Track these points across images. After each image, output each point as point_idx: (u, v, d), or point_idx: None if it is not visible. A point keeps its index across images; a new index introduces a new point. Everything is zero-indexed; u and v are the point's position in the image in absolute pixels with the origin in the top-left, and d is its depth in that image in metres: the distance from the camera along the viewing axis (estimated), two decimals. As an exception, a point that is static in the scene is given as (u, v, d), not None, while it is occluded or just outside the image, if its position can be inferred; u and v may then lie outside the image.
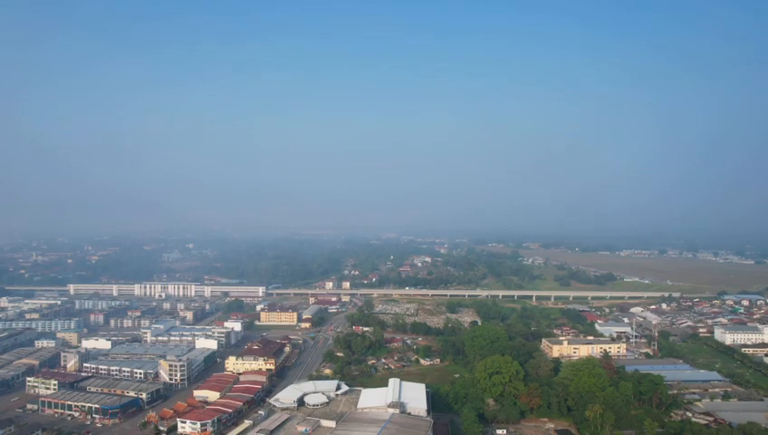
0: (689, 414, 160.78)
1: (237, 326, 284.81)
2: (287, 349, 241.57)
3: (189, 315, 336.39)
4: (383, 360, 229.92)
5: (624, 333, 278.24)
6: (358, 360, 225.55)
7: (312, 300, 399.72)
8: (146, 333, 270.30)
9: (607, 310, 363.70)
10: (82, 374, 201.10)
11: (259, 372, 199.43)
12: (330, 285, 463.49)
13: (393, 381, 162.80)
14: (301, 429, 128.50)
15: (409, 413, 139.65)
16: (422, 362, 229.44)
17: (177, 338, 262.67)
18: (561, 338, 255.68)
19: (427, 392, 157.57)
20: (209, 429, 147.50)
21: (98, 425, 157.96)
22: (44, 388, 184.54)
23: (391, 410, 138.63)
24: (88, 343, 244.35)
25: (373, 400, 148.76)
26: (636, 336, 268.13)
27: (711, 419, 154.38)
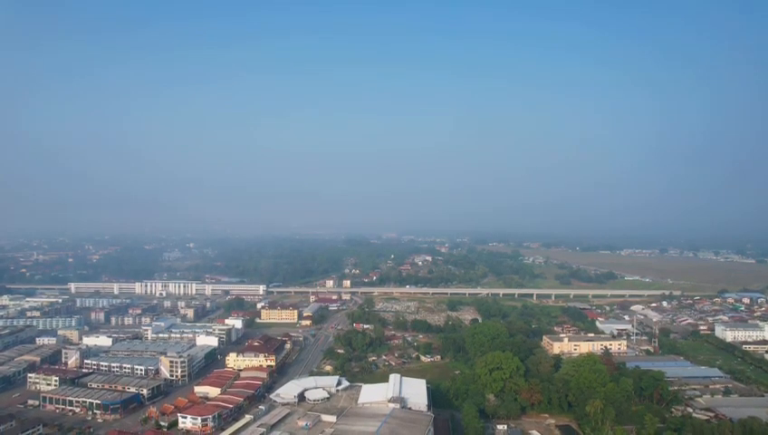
0: (690, 410, 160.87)
1: (238, 324, 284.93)
2: (288, 346, 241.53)
3: (190, 313, 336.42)
4: (384, 357, 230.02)
5: (625, 330, 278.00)
6: (358, 357, 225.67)
7: (312, 298, 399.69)
8: (147, 330, 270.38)
9: (608, 308, 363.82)
10: (83, 371, 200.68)
11: (260, 368, 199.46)
12: (330, 283, 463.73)
13: (394, 377, 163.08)
14: (301, 423, 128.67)
15: (410, 408, 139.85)
16: (423, 358, 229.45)
17: (178, 335, 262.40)
18: (561, 335, 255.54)
19: (428, 388, 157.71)
20: (210, 424, 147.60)
21: (99, 420, 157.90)
22: (45, 384, 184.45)
23: (392, 405, 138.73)
24: (89, 340, 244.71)
25: (374, 395, 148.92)
26: (636, 334, 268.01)
27: (712, 414, 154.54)
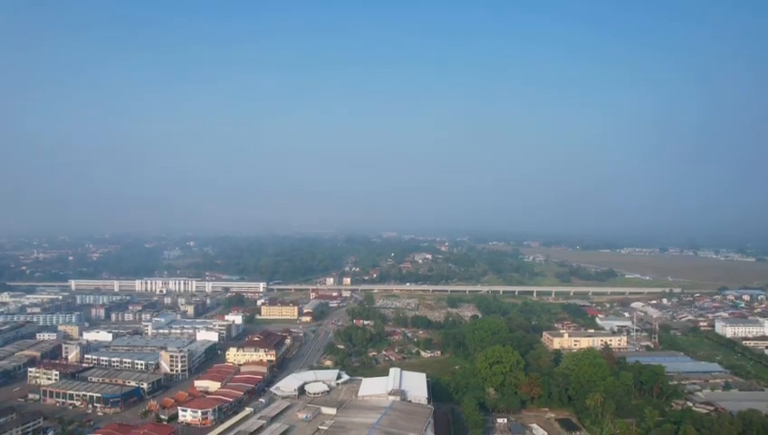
0: (690, 404, 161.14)
1: (238, 319, 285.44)
2: (288, 341, 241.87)
3: (190, 310, 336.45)
4: (384, 352, 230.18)
5: (625, 326, 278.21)
6: (359, 352, 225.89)
7: (312, 295, 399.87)
8: (147, 326, 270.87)
9: (608, 305, 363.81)
10: (84, 365, 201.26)
11: (260, 363, 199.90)
12: (331, 281, 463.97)
13: (394, 371, 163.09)
14: (301, 416, 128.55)
15: (410, 401, 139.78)
16: (423, 354, 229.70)
17: (178, 331, 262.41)
18: (561, 331, 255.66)
19: (428, 381, 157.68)
20: (210, 417, 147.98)
21: (99, 414, 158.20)
22: (46, 378, 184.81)
23: (392, 398, 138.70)
24: (89, 336, 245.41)
25: (374, 388, 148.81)
26: (636, 330, 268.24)
27: (711, 408, 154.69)
